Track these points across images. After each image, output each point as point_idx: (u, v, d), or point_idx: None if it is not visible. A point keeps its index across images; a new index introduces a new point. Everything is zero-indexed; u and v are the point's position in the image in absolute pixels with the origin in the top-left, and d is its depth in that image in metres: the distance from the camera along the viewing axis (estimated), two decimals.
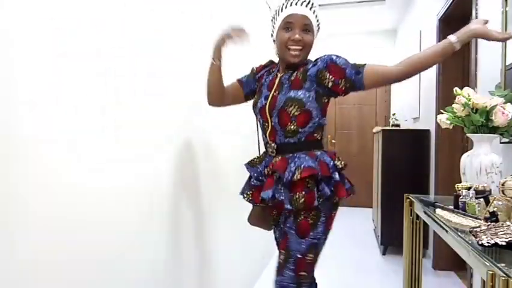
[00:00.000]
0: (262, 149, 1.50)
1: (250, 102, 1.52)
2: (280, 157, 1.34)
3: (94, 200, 1.01)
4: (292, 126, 1.32)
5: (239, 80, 1.53)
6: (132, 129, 1.20)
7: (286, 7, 1.33)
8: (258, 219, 1.52)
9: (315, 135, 1.35)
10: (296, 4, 1.31)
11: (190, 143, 1.65)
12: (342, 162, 1.37)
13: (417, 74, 1.27)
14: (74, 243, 0.93)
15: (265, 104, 1.37)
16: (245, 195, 1.41)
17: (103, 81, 1.05)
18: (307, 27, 1.32)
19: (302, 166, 1.26)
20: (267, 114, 1.36)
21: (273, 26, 1.40)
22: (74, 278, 0.94)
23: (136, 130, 1.22)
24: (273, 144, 1.36)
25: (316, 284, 1.42)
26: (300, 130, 1.32)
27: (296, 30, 1.31)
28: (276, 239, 1.54)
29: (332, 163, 1.32)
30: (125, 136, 1.16)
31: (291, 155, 1.32)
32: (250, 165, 1.44)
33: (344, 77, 1.26)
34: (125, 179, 1.16)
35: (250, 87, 1.52)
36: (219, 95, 1.49)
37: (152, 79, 1.33)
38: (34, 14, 0.82)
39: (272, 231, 1.55)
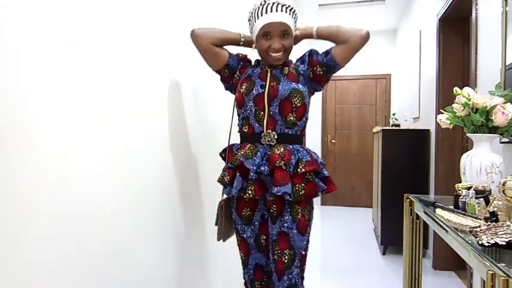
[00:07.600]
0: (234, 140, 1.49)
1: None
2: (282, 148, 1.32)
3: (94, 200, 1.01)
4: (292, 117, 1.35)
5: (229, 52, 1.48)
6: (135, 128, 1.20)
7: (262, 14, 1.32)
8: (228, 231, 1.52)
9: (304, 131, 1.42)
10: (271, 10, 1.31)
11: (195, 142, 1.65)
12: None
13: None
14: (74, 243, 0.94)
15: (263, 92, 1.36)
16: (250, 192, 1.29)
17: (103, 77, 1.05)
18: (285, 33, 1.34)
19: (304, 160, 1.31)
20: (265, 102, 1.35)
21: (251, 29, 1.40)
22: (74, 277, 0.94)
23: (140, 128, 1.22)
24: (273, 133, 1.34)
25: None
26: (297, 123, 1.37)
27: (275, 39, 1.33)
28: (245, 238, 1.44)
29: (319, 160, 1.37)
30: (129, 134, 1.16)
31: (291, 146, 1.34)
32: (246, 158, 1.33)
33: (318, 63, 1.39)
34: (126, 177, 1.16)
35: (234, 64, 1.47)
36: (210, 41, 1.42)
37: (155, 74, 1.33)
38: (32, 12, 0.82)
39: (240, 231, 1.46)
